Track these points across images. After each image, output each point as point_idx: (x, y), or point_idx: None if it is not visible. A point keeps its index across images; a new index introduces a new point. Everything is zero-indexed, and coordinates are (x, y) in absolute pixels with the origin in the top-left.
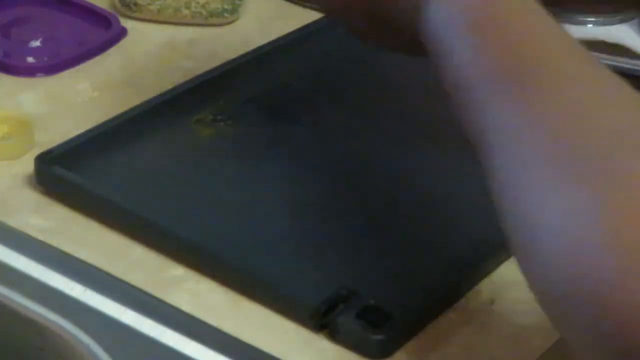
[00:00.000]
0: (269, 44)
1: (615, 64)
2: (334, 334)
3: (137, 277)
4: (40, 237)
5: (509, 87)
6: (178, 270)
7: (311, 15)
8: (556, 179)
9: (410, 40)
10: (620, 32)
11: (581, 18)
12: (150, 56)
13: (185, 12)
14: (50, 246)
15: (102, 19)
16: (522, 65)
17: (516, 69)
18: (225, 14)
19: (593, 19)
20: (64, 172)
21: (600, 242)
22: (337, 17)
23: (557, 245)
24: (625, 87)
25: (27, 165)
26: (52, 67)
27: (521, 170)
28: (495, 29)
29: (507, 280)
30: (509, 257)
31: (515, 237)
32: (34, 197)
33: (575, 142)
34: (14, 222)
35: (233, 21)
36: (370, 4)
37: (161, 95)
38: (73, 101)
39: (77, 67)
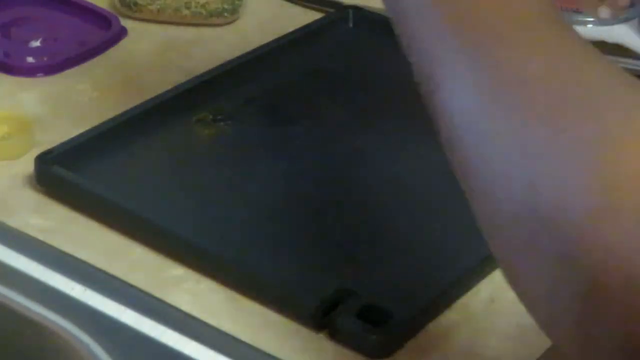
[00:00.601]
0: (269, 44)
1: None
2: (334, 334)
3: (137, 277)
4: (40, 237)
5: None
6: (178, 270)
7: (311, 15)
8: (516, 114)
9: None
10: (620, 32)
11: (581, 18)
12: (150, 56)
13: (185, 12)
14: (50, 246)
15: (102, 19)
16: (483, 24)
17: (481, 32)
18: (225, 14)
19: (593, 19)
20: (64, 172)
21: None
22: None
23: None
24: (600, 55)
25: (27, 165)
26: (52, 67)
27: (480, 111)
28: None
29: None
30: None
31: (473, 179)
32: (34, 197)
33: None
34: (14, 222)
35: (233, 21)
36: None
37: (161, 95)
38: (73, 101)
39: (77, 67)
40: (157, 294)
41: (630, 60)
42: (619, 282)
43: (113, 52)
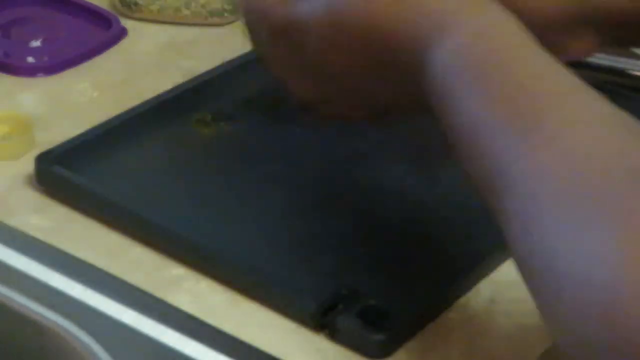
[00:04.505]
0: None
1: (615, 64)
2: (334, 334)
3: (137, 277)
4: (41, 236)
5: (520, 132)
6: (178, 270)
7: None
8: (577, 223)
9: (410, 94)
10: None
11: None
12: (150, 56)
13: (186, 12)
14: (50, 246)
15: (102, 19)
16: (532, 110)
17: (526, 113)
18: (226, 14)
19: None
20: (64, 172)
21: (631, 288)
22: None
23: (586, 294)
24: (635, 123)
25: (27, 165)
26: (52, 67)
27: (540, 215)
28: (501, 74)
29: (507, 280)
30: (509, 257)
31: (537, 284)
32: (34, 197)
33: (593, 184)
34: (14, 222)
35: (233, 21)
36: (372, 50)
37: (161, 95)
38: (73, 101)
39: (77, 67)
40: (157, 294)
41: (630, 60)
42: None
43: (113, 52)
